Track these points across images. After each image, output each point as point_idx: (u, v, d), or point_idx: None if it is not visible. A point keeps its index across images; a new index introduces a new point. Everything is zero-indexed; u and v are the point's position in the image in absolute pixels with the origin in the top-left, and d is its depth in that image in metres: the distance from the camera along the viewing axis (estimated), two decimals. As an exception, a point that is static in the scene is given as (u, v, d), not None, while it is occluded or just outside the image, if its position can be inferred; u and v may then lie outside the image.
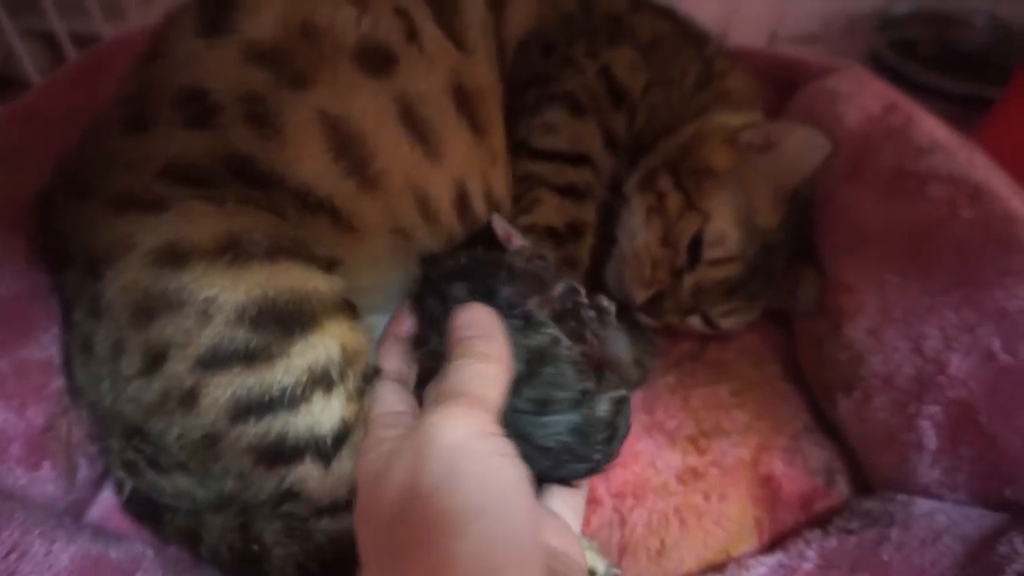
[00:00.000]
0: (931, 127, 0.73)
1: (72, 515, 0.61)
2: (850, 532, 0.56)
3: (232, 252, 0.52)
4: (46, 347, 0.61)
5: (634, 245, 0.73)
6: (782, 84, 0.95)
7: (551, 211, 0.71)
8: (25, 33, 0.93)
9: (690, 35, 0.84)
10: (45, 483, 0.59)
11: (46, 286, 0.63)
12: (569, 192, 0.71)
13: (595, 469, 0.56)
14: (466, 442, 0.43)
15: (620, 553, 0.62)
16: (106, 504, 0.64)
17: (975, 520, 0.53)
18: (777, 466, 0.67)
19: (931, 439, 0.58)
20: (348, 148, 0.61)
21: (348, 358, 0.54)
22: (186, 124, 0.59)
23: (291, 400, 0.51)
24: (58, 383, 0.61)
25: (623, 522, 0.63)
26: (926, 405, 0.58)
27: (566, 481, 0.56)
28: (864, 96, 0.80)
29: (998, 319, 0.56)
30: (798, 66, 0.94)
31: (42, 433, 0.59)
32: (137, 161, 0.58)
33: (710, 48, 0.84)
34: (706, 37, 0.86)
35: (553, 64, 0.74)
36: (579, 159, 0.72)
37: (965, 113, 1.16)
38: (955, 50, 1.36)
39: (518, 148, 0.72)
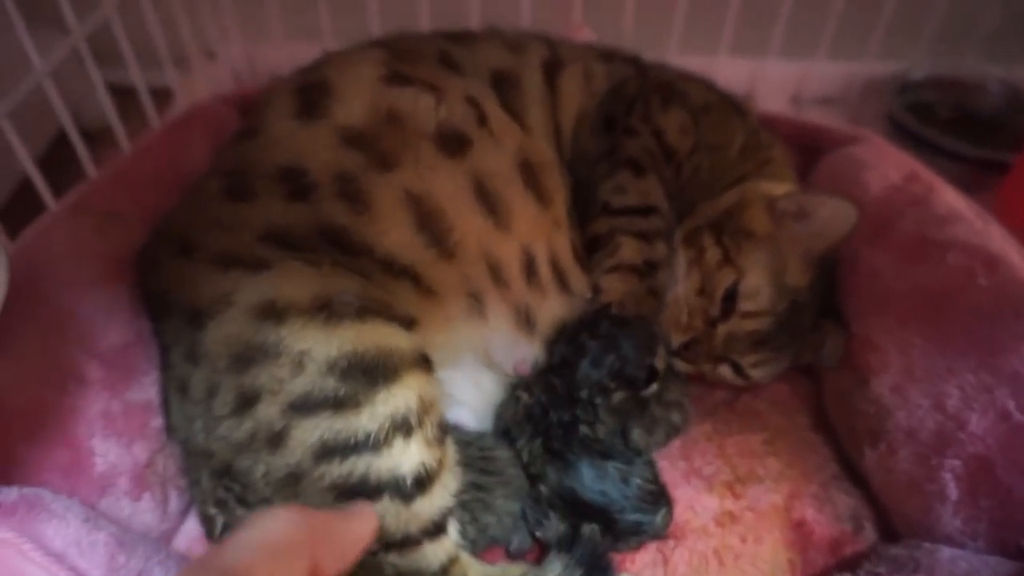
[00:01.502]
0: (951, 198, 0.78)
1: (164, 541, 0.68)
2: None
3: (327, 311, 0.59)
4: (146, 389, 0.68)
5: (674, 293, 0.80)
6: (806, 150, 1.01)
7: (631, 252, 0.78)
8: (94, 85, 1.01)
9: (733, 106, 0.91)
10: (145, 513, 0.65)
11: (147, 333, 0.70)
12: (642, 237, 0.79)
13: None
14: None
15: (664, 591, 0.66)
16: (190, 534, 0.70)
17: (992, 567, 0.57)
18: (808, 512, 0.71)
19: (953, 490, 0.62)
20: (429, 222, 0.69)
21: (425, 407, 0.60)
22: (286, 197, 0.67)
23: (375, 444, 0.57)
24: (157, 422, 0.68)
25: (666, 562, 0.68)
26: (948, 459, 0.63)
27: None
28: (886, 165, 0.85)
29: (1012, 381, 0.61)
30: (822, 133, 1.00)
31: (144, 468, 0.66)
32: (239, 225, 0.66)
33: (752, 119, 0.91)
34: (747, 109, 0.93)
35: (616, 136, 0.82)
36: (647, 210, 0.80)
37: (981, 176, 1.21)
38: (971, 114, 1.41)
39: (601, 210, 0.80)
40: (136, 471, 0.65)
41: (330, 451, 0.57)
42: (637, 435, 0.73)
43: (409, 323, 0.64)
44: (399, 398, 0.58)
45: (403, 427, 0.58)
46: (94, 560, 0.53)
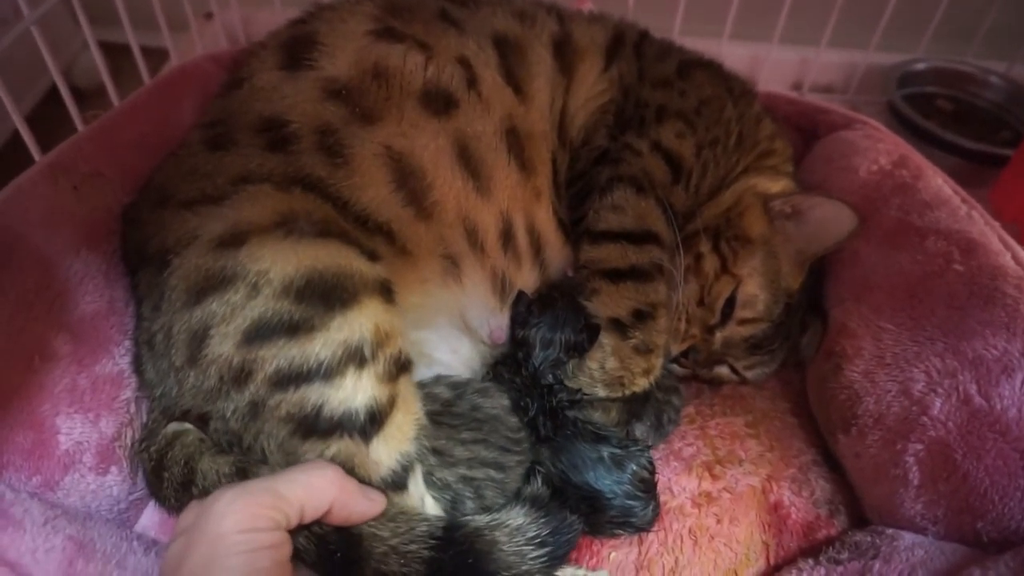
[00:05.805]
0: (938, 183, 0.80)
1: (134, 510, 0.71)
2: (838, 563, 0.64)
3: (287, 227, 0.60)
4: (118, 360, 0.70)
5: (673, 301, 0.79)
6: (805, 132, 1.04)
7: (610, 301, 0.74)
8: (87, 44, 1.02)
9: (735, 93, 0.89)
10: (112, 487, 0.67)
11: (122, 300, 0.71)
12: (630, 275, 0.74)
13: None
14: (230, 535, 0.49)
15: (637, 570, 0.69)
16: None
17: (948, 555, 0.60)
18: (785, 495, 0.74)
19: (915, 475, 0.65)
20: (408, 180, 0.71)
21: (381, 339, 0.60)
22: (264, 148, 0.68)
23: (327, 372, 0.57)
24: (127, 394, 0.70)
25: (640, 540, 0.71)
26: (911, 443, 0.66)
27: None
28: (877, 151, 0.87)
29: (976, 366, 0.63)
30: (821, 114, 1.02)
31: (112, 442, 0.67)
32: (215, 172, 0.67)
33: (756, 107, 0.90)
34: (752, 93, 0.91)
35: (619, 147, 0.80)
36: (644, 237, 0.76)
37: (979, 169, 1.23)
38: (972, 107, 1.43)
39: (581, 234, 0.78)
40: (103, 445, 0.66)
41: (284, 379, 0.58)
42: (641, 431, 0.75)
43: (372, 255, 0.65)
44: (355, 325, 0.59)
45: (356, 357, 0.58)
46: (49, 568, 0.54)
